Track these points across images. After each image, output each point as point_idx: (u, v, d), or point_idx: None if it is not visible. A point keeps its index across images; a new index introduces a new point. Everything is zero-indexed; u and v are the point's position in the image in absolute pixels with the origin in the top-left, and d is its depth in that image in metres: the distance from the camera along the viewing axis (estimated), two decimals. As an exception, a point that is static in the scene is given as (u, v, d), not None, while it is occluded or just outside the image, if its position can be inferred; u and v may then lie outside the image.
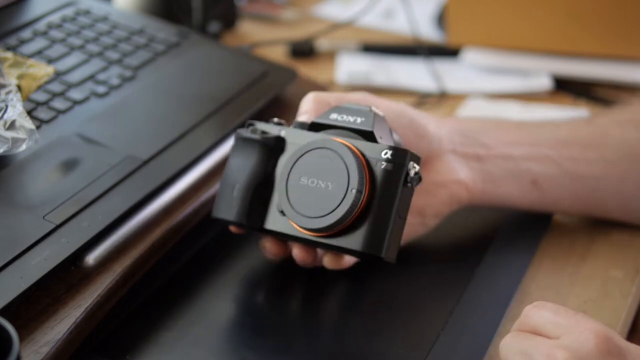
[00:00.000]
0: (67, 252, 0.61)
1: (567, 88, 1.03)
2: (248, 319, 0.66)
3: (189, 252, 0.72)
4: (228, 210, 0.66)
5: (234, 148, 0.67)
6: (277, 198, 0.64)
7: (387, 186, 0.61)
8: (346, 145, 0.61)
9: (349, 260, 0.67)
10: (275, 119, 0.67)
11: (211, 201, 0.72)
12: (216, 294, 0.68)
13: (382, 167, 0.61)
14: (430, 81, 1.04)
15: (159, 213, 0.68)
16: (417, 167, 0.61)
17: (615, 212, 0.76)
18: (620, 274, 0.73)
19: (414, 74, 1.05)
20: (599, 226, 0.78)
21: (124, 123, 0.75)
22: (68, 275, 0.62)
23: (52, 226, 0.63)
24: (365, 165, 0.61)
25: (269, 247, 0.68)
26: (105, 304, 0.61)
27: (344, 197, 0.60)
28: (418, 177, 0.61)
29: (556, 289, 0.71)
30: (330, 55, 1.10)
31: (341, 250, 0.62)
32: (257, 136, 0.65)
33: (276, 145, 0.65)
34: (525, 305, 0.68)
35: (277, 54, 1.08)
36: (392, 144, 0.64)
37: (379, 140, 0.62)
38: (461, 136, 0.73)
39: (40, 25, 0.84)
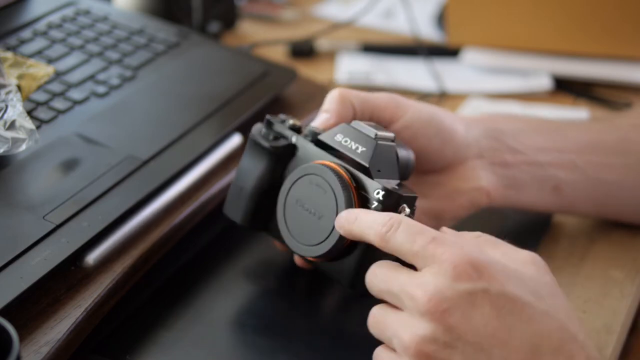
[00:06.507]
0: (67, 252, 0.61)
1: (567, 88, 1.03)
2: (248, 318, 0.66)
3: (189, 252, 0.72)
4: (235, 211, 0.66)
5: (247, 147, 0.66)
6: (277, 211, 0.64)
7: None
8: (341, 179, 0.60)
9: None
10: (291, 121, 0.66)
11: (211, 201, 0.72)
12: (216, 293, 0.68)
13: (373, 207, 0.59)
14: (430, 81, 1.04)
15: (159, 213, 0.68)
16: (408, 211, 0.59)
17: (630, 216, 0.77)
18: (620, 274, 0.73)
19: (414, 74, 1.05)
20: (599, 226, 0.78)
21: (124, 123, 0.75)
22: (68, 275, 0.62)
23: (52, 226, 0.63)
24: (358, 202, 0.60)
25: (279, 245, 0.69)
26: (105, 304, 0.61)
27: (330, 234, 0.60)
28: None
29: (556, 289, 0.71)
30: (330, 55, 1.10)
31: (328, 276, 0.62)
32: (266, 144, 0.64)
33: (285, 152, 0.64)
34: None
35: (277, 54, 1.08)
36: (393, 177, 0.61)
37: (374, 174, 0.60)
38: (490, 140, 0.72)
39: (40, 25, 0.84)
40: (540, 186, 0.73)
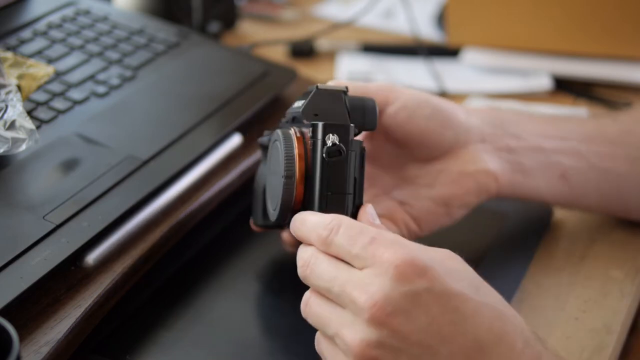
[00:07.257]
0: (67, 252, 0.61)
1: (567, 88, 1.03)
2: (248, 318, 0.66)
3: (189, 252, 0.72)
4: (254, 214, 0.68)
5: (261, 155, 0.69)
6: (266, 191, 0.65)
7: (313, 165, 0.58)
8: (283, 131, 0.60)
9: None
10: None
11: (211, 201, 0.72)
12: (216, 293, 0.68)
13: (310, 143, 0.59)
14: (430, 81, 1.04)
15: (159, 213, 0.68)
16: (335, 138, 0.57)
17: (635, 212, 0.76)
18: (620, 274, 0.73)
19: (414, 74, 1.05)
20: (599, 226, 0.78)
21: (124, 123, 0.75)
22: (68, 275, 0.62)
23: (52, 226, 0.63)
24: (300, 148, 0.59)
25: (285, 238, 0.69)
26: (105, 304, 0.61)
27: (280, 186, 0.59)
28: (337, 149, 0.57)
29: (556, 289, 0.71)
30: (330, 55, 1.10)
31: None
32: (260, 139, 0.66)
33: None
34: (525, 305, 0.69)
35: (277, 54, 1.08)
36: (340, 121, 0.59)
37: (311, 118, 0.59)
38: (492, 126, 0.72)
39: (40, 25, 0.84)
40: (547, 173, 0.72)
